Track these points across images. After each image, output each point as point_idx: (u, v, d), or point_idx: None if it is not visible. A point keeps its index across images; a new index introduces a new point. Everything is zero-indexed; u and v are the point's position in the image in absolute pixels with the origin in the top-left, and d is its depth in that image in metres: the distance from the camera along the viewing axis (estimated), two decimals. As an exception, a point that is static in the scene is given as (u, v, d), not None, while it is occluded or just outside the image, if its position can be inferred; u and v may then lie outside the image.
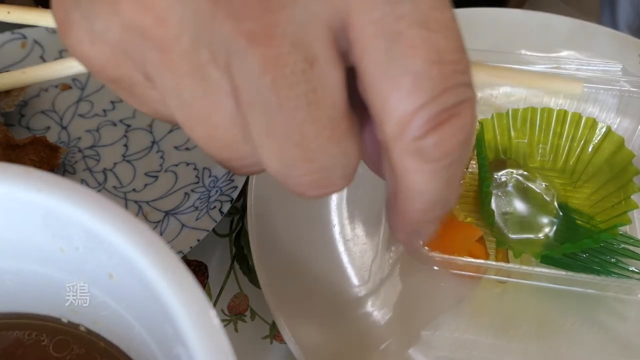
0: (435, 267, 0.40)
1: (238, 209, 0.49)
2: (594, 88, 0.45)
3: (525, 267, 0.39)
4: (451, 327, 0.40)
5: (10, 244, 0.25)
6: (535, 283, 0.41)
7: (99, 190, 0.48)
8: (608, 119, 0.47)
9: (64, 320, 0.28)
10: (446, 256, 0.39)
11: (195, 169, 0.49)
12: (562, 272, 0.38)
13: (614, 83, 0.45)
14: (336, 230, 0.44)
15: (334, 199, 0.46)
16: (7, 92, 0.51)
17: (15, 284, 0.26)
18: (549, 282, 0.40)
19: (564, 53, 0.53)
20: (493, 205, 0.43)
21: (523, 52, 0.52)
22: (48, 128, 0.52)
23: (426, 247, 0.39)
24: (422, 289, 0.42)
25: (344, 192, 0.46)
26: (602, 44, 0.53)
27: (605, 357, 0.39)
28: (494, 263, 0.40)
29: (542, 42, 0.53)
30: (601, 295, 0.40)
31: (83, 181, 0.49)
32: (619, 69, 0.45)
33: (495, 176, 0.44)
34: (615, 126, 0.46)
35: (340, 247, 0.44)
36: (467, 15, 0.54)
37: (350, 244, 0.44)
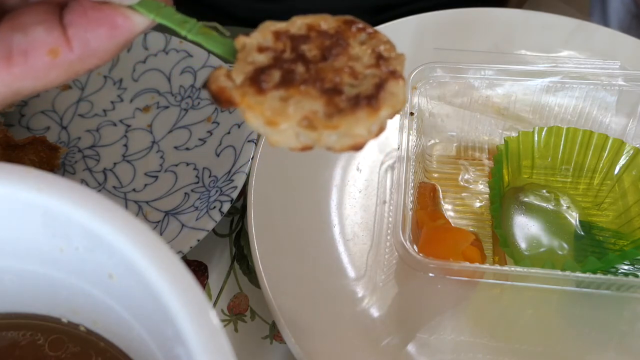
0: (431, 274, 0.40)
1: (238, 209, 0.49)
2: (593, 85, 0.45)
3: (520, 269, 0.38)
4: (451, 329, 0.40)
5: (10, 244, 0.25)
6: (532, 285, 0.41)
7: (99, 190, 0.48)
8: (607, 115, 0.47)
9: (64, 320, 0.28)
10: (441, 262, 0.38)
11: (195, 169, 0.49)
12: (559, 272, 0.38)
13: (612, 80, 0.45)
14: (336, 230, 0.44)
15: (334, 199, 0.46)
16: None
17: (15, 284, 0.26)
18: (546, 283, 0.40)
19: (564, 53, 0.53)
20: (513, 225, 0.43)
21: (523, 52, 0.52)
22: (48, 128, 0.52)
23: (421, 254, 0.38)
24: (421, 291, 0.42)
25: (344, 193, 0.46)
26: (601, 43, 0.53)
27: (603, 356, 0.39)
28: (489, 267, 0.40)
29: (542, 42, 0.53)
30: (599, 294, 0.40)
31: (83, 181, 0.49)
32: (617, 66, 0.45)
33: (516, 196, 0.44)
34: (613, 123, 0.47)
35: (340, 247, 0.44)
36: (467, 15, 0.54)
37: (350, 244, 0.44)
